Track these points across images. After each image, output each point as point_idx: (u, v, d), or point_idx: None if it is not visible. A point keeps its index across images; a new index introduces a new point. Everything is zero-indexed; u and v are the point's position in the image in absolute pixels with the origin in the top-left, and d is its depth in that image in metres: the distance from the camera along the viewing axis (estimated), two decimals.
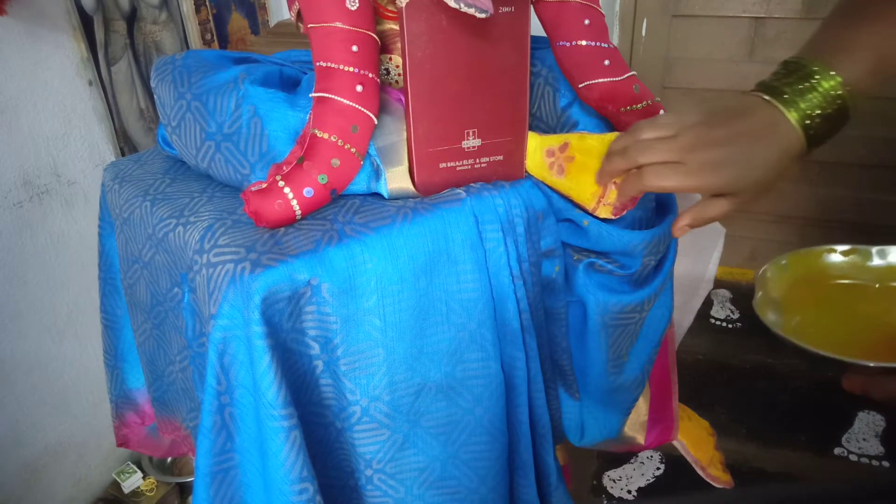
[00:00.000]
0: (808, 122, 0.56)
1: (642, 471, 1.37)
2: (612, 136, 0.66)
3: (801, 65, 0.58)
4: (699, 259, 0.87)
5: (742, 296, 1.86)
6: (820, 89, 0.56)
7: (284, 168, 0.61)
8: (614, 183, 0.66)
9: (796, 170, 0.59)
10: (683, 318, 0.91)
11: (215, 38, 1.62)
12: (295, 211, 0.60)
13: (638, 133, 0.61)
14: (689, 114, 0.61)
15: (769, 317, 0.69)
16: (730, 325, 1.75)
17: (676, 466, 1.29)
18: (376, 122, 0.63)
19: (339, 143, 0.61)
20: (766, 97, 0.58)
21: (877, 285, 0.75)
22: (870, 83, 0.57)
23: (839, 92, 0.56)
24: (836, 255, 0.76)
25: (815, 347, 0.63)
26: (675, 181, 0.58)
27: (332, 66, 0.61)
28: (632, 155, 0.61)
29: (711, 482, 1.02)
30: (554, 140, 0.68)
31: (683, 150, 0.58)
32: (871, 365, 0.57)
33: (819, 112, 0.56)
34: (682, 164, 0.58)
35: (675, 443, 0.96)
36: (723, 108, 0.60)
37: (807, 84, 0.57)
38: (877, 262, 0.75)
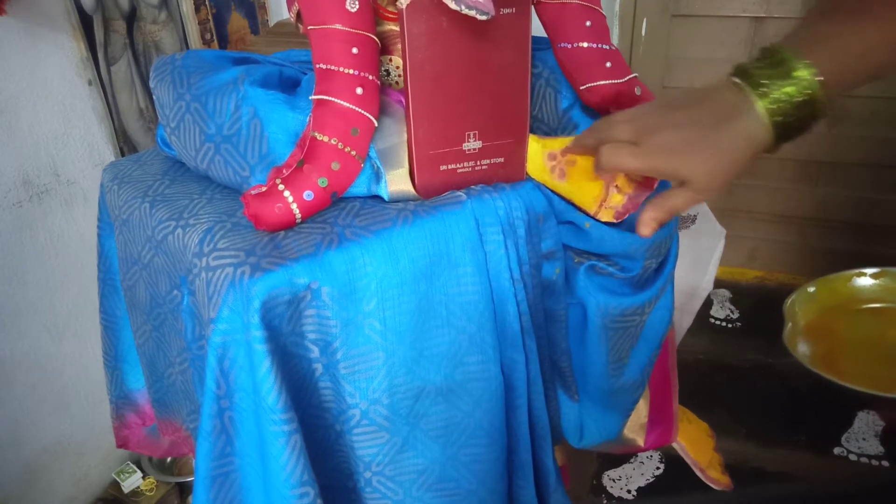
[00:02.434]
0: (774, 107, 0.53)
1: (642, 471, 1.37)
2: None
3: (776, 50, 0.55)
4: (699, 260, 0.88)
5: (742, 295, 1.86)
6: (792, 77, 0.53)
7: (284, 171, 0.61)
8: (616, 186, 0.66)
9: (753, 162, 0.56)
10: (682, 319, 0.91)
11: (215, 37, 1.61)
12: (295, 214, 0.60)
13: (610, 116, 0.60)
14: (659, 98, 0.59)
15: (800, 349, 0.68)
16: (729, 325, 1.75)
17: (676, 466, 1.29)
18: (376, 124, 0.63)
19: (340, 146, 0.61)
20: (737, 79, 0.55)
21: None
22: (844, 77, 0.54)
23: (812, 81, 0.53)
24: (866, 279, 0.75)
25: (847, 382, 0.61)
26: (627, 161, 0.56)
27: (332, 68, 0.61)
28: (594, 131, 0.60)
29: (710, 484, 1.03)
30: (555, 143, 0.68)
31: (639, 132, 0.56)
32: None
33: (788, 99, 0.53)
34: (637, 145, 0.56)
35: (674, 445, 0.96)
36: (689, 92, 0.58)
37: (780, 69, 0.53)
38: None
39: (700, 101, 0.56)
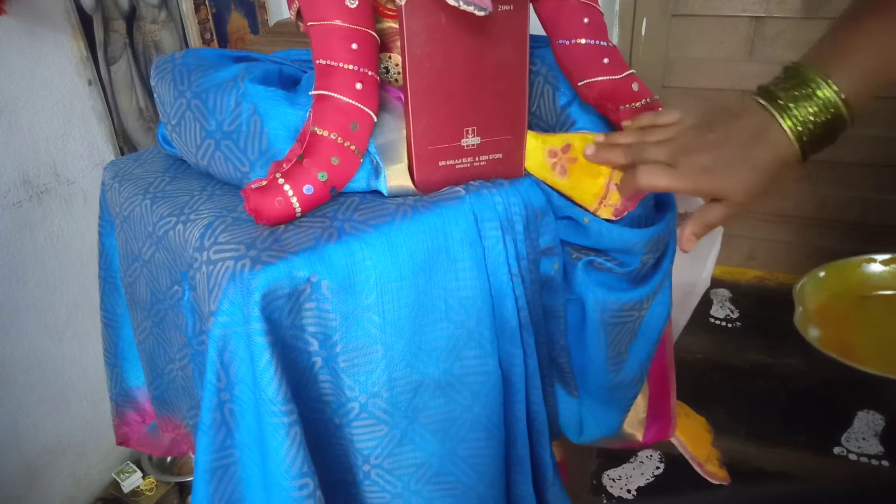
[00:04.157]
0: (800, 128, 0.56)
1: (642, 470, 1.37)
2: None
3: (799, 71, 0.57)
4: (697, 258, 0.88)
5: (741, 295, 1.86)
6: (815, 97, 0.55)
7: (284, 165, 0.61)
8: (616, 185, 0.66)
9: (791, 175, 0.59)
10: (680, 316, 0.91)
11: (215, 37, 1.62)
12: (295, 208, 0.61)
13: (641, 135, 0.63)
14: (687, 116, 0.62)
15: (811, 333, 0.69)
16: (729, 325, 1.75)
17: (676, 466, 1.30)
18: (376, 119, 0.63)
19: (339, 140, 0.61)
20: (762, 101, 0.58)
21: None
22: (867, 90, 0.56)
23: (835, 100, 0.55)
24: (876, 265, 0.75)
25: (861, 365, 0.62)
26: (665, 181, 0.59)
27: (332, 63, 0.61)
28: (630, 154, 0.62)
29: (708, 478, 1.03)
30: (556, 140, 0.68)
31: (676, 153, 0.59)
32: None
33: (812, 119, 0.55)
34: (673, 166, 0.59)
35: (672, 440, 0.96)
36: (719, 111, 0.60)
37: (803, 91, 0.56)
38: None
39: (730, 122, 0.58)
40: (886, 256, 0.74)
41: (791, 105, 0.56)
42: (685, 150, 0.59)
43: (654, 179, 0.60)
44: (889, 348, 0.70)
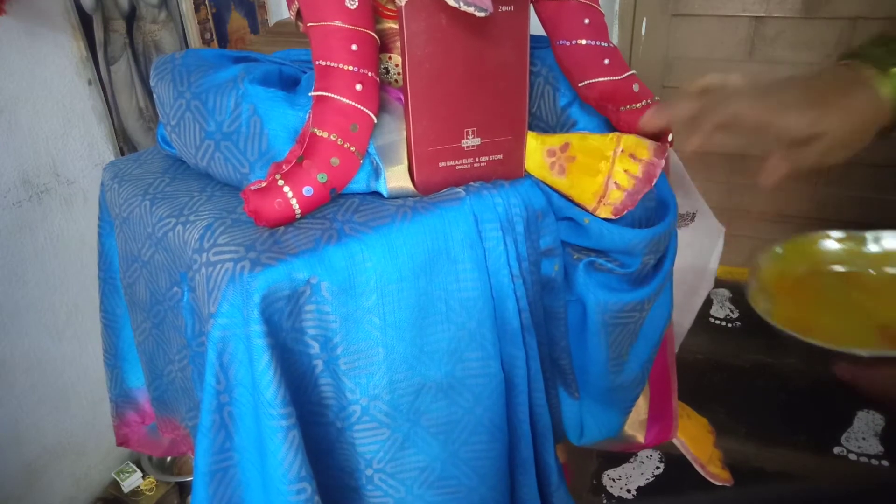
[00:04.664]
0: None
1: (642, 470, 1.37)
2: (612, 136, 0.66)
3: (892, 37, 0.56)
4: (699, 258, 0.87)
5: (742, 295, 1.85)
6: None
7: (284, 167, 0.61)
8: (615, 183, 0.66)
9: (880, 130, 0.56)
10: (684, 317, 0.91)
11: (214, 37, 1.62)
12: (294, 210, 0.60)
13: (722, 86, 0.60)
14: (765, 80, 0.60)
15: (761, 305, 0.70)
16: (729, 325, 1.75)
17: (676, 466, 1.30)
18: (376, 120, 0.63)
19: (339, 141, 0.61)
20: (850, 61, 0.56)
21: (872, 272, 0.74)
22: None
23: None
24: (831, 242, 0.76)
25: (806, 336, 0.63)
26: (758, 111, 0.55)
27: (332, 64, 0.61)
28: (702, 107, 0.59)
29: (711, 480, 1.02)
30: (555, 140, 0.68)
31: (762, 94, 0.56)
32: (864, 355, 0.56)
33: None
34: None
35: (674, 441, 0.96)
36: (798, 75, 0.58)
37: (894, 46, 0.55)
38: (872, 248, 0.75)
39: (817, 77, 0.56)
40: (841, 234, 0.75)
41: (886, 59, 0.54)
42: (772, 92, 0.56)
43: (740, 107, 0.55)
44: (838, 322, 0.70)
